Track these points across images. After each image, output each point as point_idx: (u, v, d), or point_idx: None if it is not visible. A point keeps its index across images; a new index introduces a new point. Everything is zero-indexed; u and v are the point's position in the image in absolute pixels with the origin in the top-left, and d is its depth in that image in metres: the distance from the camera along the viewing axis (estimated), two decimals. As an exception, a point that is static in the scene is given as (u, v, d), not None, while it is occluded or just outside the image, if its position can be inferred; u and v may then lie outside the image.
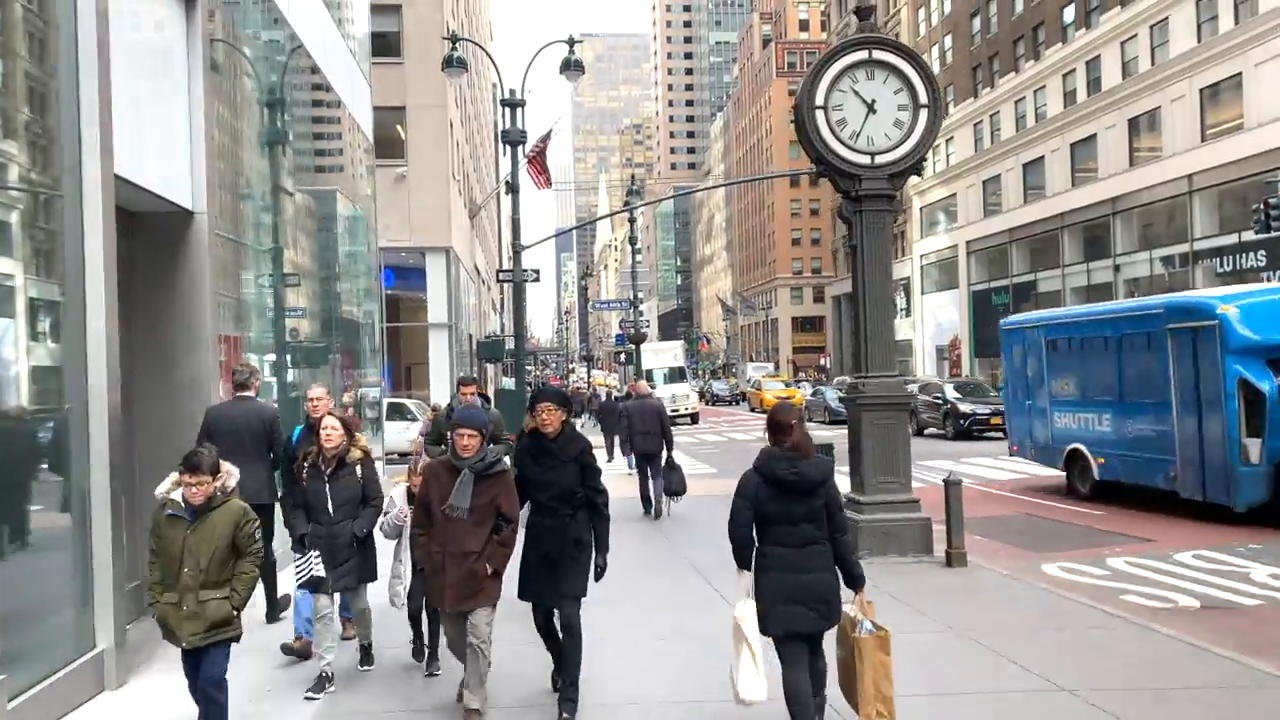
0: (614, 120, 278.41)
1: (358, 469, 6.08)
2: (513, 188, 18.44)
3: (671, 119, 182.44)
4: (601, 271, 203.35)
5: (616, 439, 17.63)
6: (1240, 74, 35.00)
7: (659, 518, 13.00)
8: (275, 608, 7.49)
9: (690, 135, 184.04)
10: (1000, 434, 23.65)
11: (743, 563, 4.63)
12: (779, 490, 4.50)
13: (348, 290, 15.67)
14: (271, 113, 10.69)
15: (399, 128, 31.58)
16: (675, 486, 12.58)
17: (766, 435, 4.73)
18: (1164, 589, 8.54)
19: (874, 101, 9.88)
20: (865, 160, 9.84)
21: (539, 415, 5.58)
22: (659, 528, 12.58)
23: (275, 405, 8.86)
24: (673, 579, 9.13)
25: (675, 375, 42.93)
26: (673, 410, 31.97)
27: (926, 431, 28.57)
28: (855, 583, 4.65)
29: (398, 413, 26.45)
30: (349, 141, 15.17)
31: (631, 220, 33.39)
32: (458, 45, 19.08)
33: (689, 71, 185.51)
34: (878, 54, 9.84)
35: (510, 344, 22.39)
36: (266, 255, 10.29)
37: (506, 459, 5.78)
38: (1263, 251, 34.05)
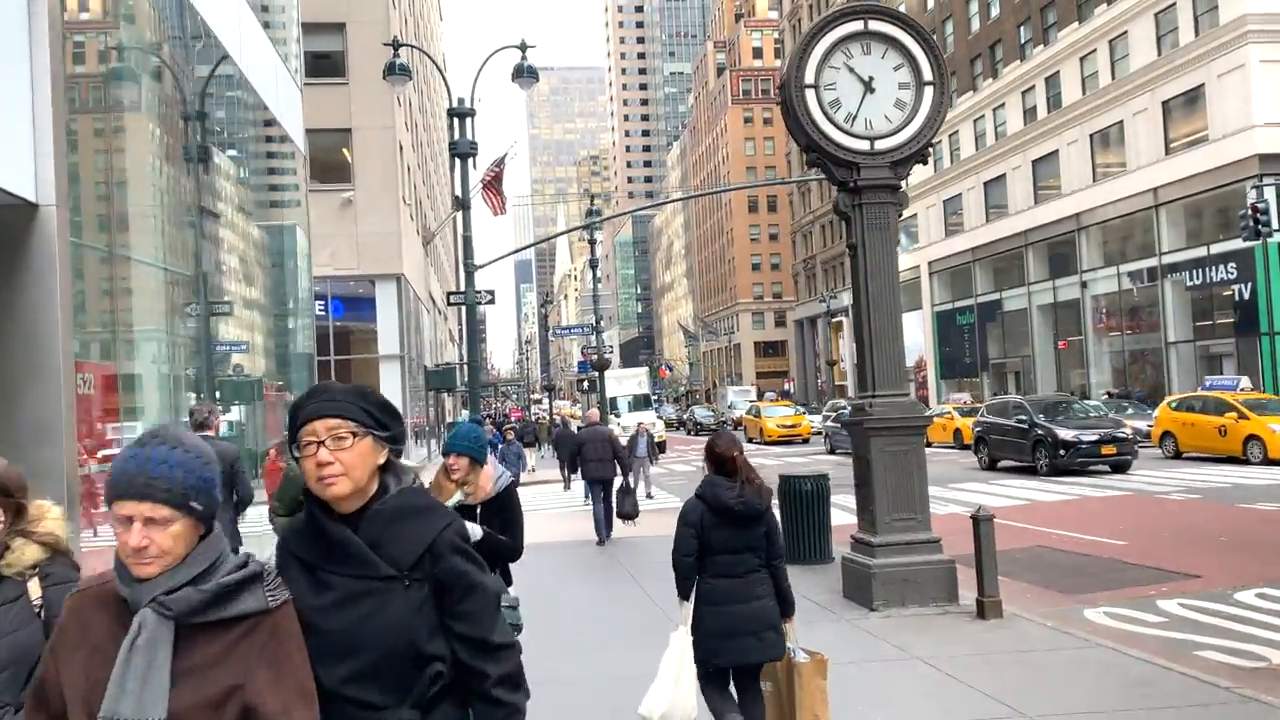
0: (571, 152, 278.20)
1: (30, 586, 2.70)
2: (463, 204, 16.96)
3: (628, 149, 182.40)
4: (562, 301, 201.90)
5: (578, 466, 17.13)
6: (1203, 85, 34.60)
7: (600, 544, 13.21)
8: None
9: (647, 165, 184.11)
10: (1109, 466, 19.92)
11: (685, 592, 4.55)
12: (724, 519, 4.46)
13: (275, 319, 14.07)
14: (169, 110, 9.16)
15: (345, 151, 30.05)
16: (628, 510, 12.85)
17: (707, 465, 4.69)
18: (1241, 640, 7.19)
19: (871, 79, 8.58)
20: (864, 146, 8.53)
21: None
22: (615, 560, 11.84)
23: (236, 446, 8.12)
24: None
25: (640, 403, 41.42)
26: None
27: (1001, 464, 22.21)
28: (788, 609, 4.63)
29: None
30: (276, 150, 13.64)
31: (591, 241, 32.02)
32: (400, 53, 17.66)
33: (644, 102, 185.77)
34: (874, 25, 8.55)
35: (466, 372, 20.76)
36: (163, 274, 8.72)
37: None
38: (1233, 264, 33.47)
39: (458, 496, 4.53)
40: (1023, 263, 47.34)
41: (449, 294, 17.93)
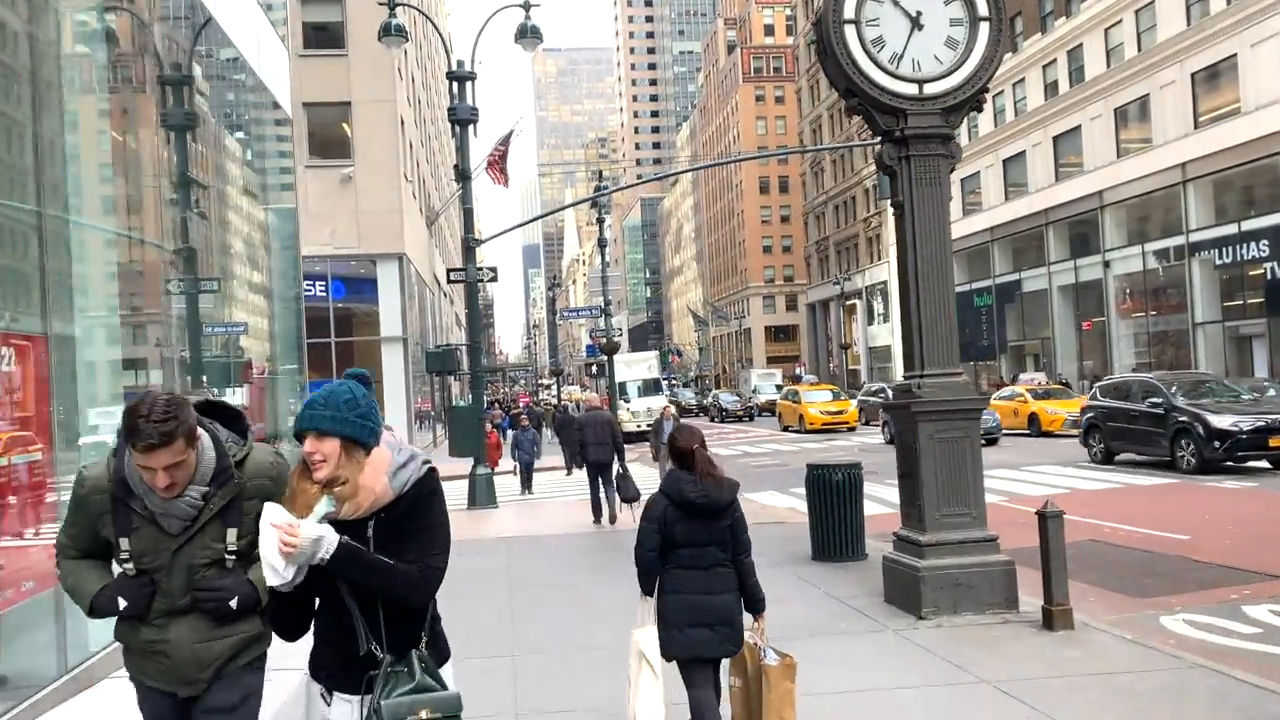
0: (578, 134, 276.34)
1: None
2: (463, 174, 15.93)
3: (637, 130, 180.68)
4: (570, 286, 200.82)
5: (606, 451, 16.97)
6: (1235, 56, 33.26)
7: (614, 522, 13.59)
8: None
9: (656, 146, 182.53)
10: (1271, 463, 16.19)
11: (648, 588, 4.50)
12: (687, 513, 4.41)
13: (262, 297, 13.12)
14: (129, 60, 8.17)
15: (345, 125, 29.06)
16: (630, 493, 12.81)
17: (670, 460, 4.63)
18: (1357, 656, 6.17)
19: (919, 14, 7.52)
20: (911, 90, 7.48)
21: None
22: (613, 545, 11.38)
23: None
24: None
25: (650, 388, 40.26)
26: (649, 426, 29.36)
27: (1122, 458, 18.70)
28: (757, 607, 4.55)
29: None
30: (256, 114, 12.64)
31: (600, 221, 30.93)
32: (398, 15, 16.59)
33: (653, 82, 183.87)
34: (922, -50, 7.48)
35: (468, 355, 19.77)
36: (118, 240, 7.75)
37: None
38: (1265, 241, 32.24)
39: (323, 508, 2.66)
40: (1043, 242, 46.12)
41: (449, 270, 16.92)
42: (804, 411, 35.75)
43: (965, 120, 8.24)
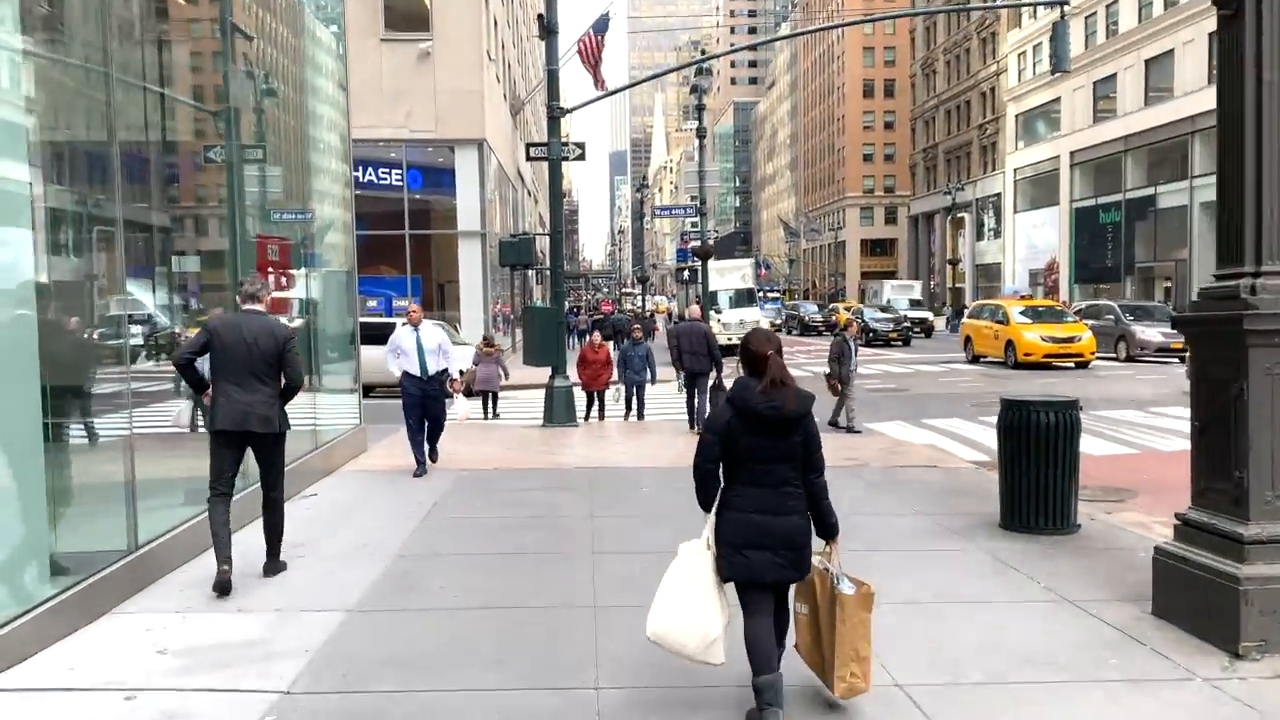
0: (670, 37, 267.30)
1: None
2: (548, 28, 13.21)
3: (733, 30, 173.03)
4: (656, 194, 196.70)
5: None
6: None
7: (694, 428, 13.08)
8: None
9: (752, 48, 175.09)
10: None
11: (705, 503, 4.10)
12: (753, 425, 3.95)
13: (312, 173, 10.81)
14: None
15: (424, -4, 26.40)
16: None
17: (741, 366, 4.11)
18: None
19: None
20: None
21: None
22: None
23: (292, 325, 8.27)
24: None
25: (743, 298, 37.30)
26: (739, 339, 26.71)
27: None
28: (829, 532, 4.16)
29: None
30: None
31: (700, 107, 27.72)
32: None
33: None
34: None
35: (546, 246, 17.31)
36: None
37: None
38: None
39: None
40: (1187, 153, 41.40)
41: (528, 146, 14.31)
42: (1015, 337, 24.65)
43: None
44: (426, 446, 10.27)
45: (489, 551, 6.92)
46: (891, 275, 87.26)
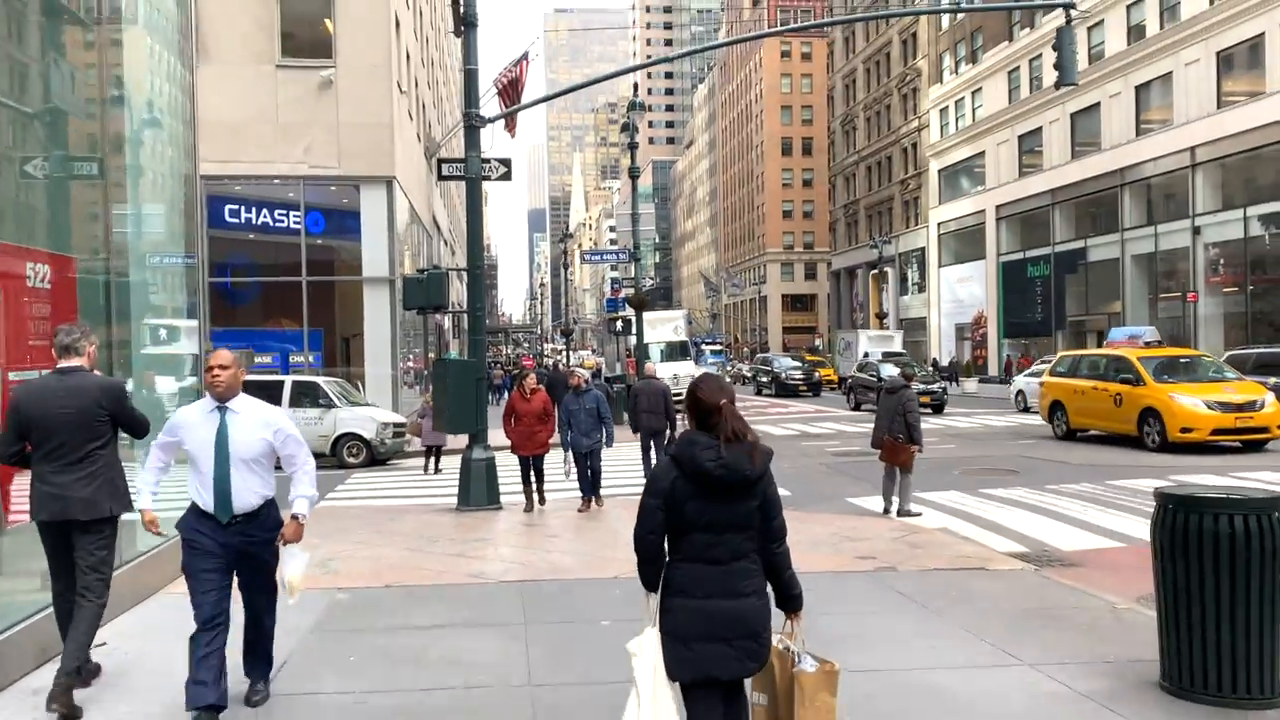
0: (589, 98, 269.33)
1: None
2: (465, 20, 10.85)
3: (650, 92, 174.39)
4: (576, 250, 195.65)
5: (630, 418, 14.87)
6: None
7: None
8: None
9: (669, 109, 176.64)
10: None
11: (650, 581, 3.52)
12: (702, 488, 3.37)
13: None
14: None
15: (326, 22, 23.94)
16: None
17: (689, 419, 3.51)
18: None
19: None
20: None
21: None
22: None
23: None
24: None
25: (675, 351, 34.95)
26: (676, 394, 24.20)
27: None
28: (792, 604, 3.61)
29: (306, 395, 18.83)
30: None
31: (633, 147, 25.79)
32: None
33: (668, 43, 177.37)
34: None
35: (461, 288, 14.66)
36: None
37: None
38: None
39: None
40: (1117, 206, 41.08)
41: (440, 162, 11.65)
42: (1160, 404, 17.12)
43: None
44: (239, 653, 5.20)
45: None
46: (812, 330, 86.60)
